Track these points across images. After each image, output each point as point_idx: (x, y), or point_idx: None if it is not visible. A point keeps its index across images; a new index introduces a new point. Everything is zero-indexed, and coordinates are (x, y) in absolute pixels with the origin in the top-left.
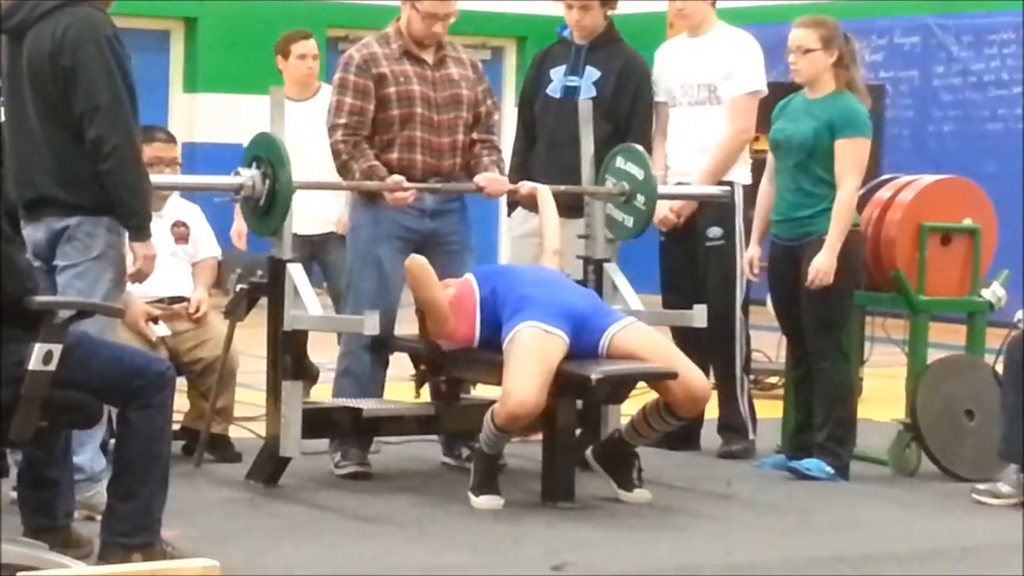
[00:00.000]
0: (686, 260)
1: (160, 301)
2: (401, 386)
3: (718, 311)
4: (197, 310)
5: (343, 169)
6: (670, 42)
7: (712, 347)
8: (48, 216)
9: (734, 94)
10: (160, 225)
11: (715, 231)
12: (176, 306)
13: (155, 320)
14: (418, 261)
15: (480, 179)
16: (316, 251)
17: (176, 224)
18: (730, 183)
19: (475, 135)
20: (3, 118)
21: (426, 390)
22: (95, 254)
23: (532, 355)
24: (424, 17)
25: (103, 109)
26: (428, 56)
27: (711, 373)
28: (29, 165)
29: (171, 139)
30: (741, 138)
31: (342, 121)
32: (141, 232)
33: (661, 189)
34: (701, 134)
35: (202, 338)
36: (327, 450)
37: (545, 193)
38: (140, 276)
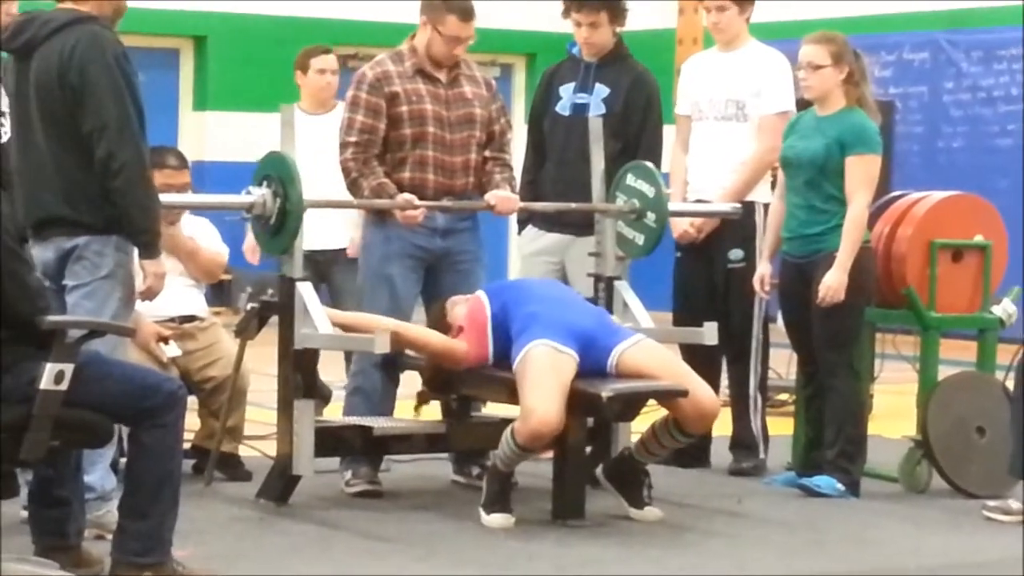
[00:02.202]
0: (702, 278)
1: (171, 321)
2: (412, 404)
3: (737, 330)
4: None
5: (353, 187)
6: (700, 54)
7: (728, 364)
8: (56, 236)
9: (763, 113)
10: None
11: (736, 253)
12: (187, 326)
13: (165, 340)
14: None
15: (491, 197)
16: (323, 270)
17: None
18: (751, 203)
19: (487, 153)
20: (7, 137)
21: (431, 409)
22: (104, 273)
23: (548, 373)
24: (447, 41)
25: (111, 127)
26: (442, 75)
27: (721, 390)
28: (37, 185)
29: (183, 164)
30: (768, 158)
31: (352, 139)
32: (151, 249)
33: (674, 206)
34: (726, 150)
35: (213, 357)
36: (337, 468)
37: None
38: (150, 294)
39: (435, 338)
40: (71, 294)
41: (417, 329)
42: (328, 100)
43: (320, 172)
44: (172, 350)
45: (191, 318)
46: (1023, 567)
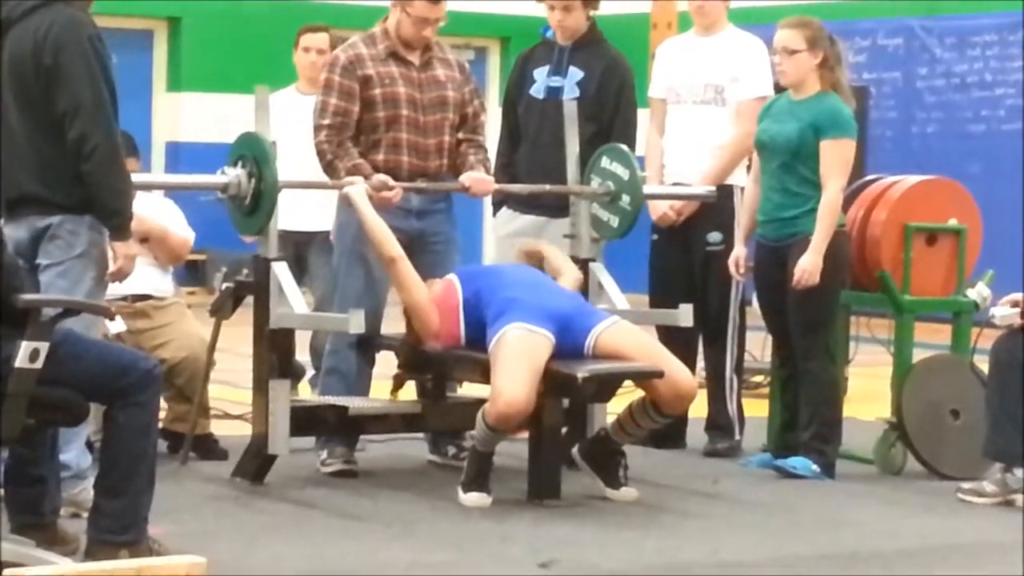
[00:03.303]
0: (679, 261)
1: (124, 299)
2: (388, 384)
3: (713, 313)
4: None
5: (329, 169)
6: (676, 38)
7: (705, 347)
8: (30, 215)
9: (741, 98)
10: None
11: (715, 236)
12: (139, 304)
13: (111, 316)
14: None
15: (465, 179)
16: (300, 251)
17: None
18: (730, 186)
19: (461, 135)
20: None
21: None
22: (77, 252)
23: (520, 355)
24: (414, 21)
25: (85, 109)
26: (414, 58)
27: (696, 371)
28: (10, 164)
29: (132, 152)
30: (746, 143)
31: (326, 122)
32: (122, 231)
33: (649, 189)
34: (704, 134)
35: (166, 338)
36: (313, 448)
37: (551, 252)
38: (120, 275)
39: (421, 291)
40: (44, 273)
41: (414, 275)
42: (318, 80)
43: (310, 153)
44: (116, 326)
45: (145, 297)
46: (1008, 549)
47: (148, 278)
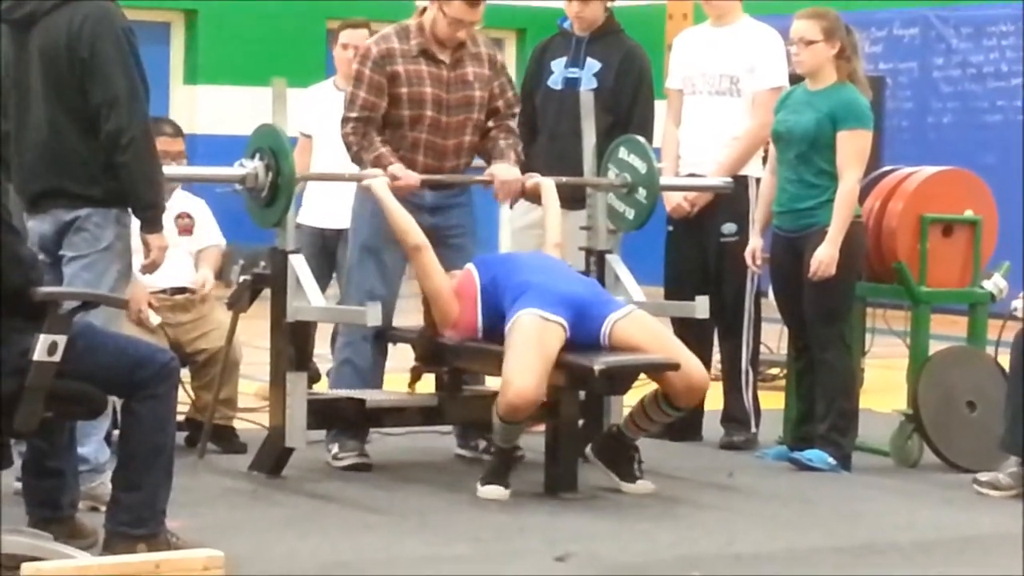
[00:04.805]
0: (694, 252)
1: (163, 292)
2: (401, 377)
3: (729, 304)
4: (203, 286)
5: (356, 160)
6: (692, 29)
7: (720, 339)
8: (55, 208)
9: (757, 88)
10: (164, 217)
11: (730, 227)
12: (178, 297)
13: (126, 308)
14: (412, 252)
15: (495, 170)
16: (329, 245)
17: (180, 216)
18: (745, 177)
19: (491, 123)
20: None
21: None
22: (104, 245)
23: (530, 344)
24: (450, 22)
25: (121, 101)
26: (446, 56)
27: (712, 364)
28: (36, 157)
29: (178, 132)
30: (762, 133)
31: (354, 115)
32: (155, 224)
33: (665, 180)
34: (720, 125)
35: (204, 329)
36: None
37: (548, 187)
38: (153, 267)
39: (443, 280)
40: (69, 265)
41: (436, 263)
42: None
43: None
44: (154, 318)
45: (183, 290)
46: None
47: (183, 271)
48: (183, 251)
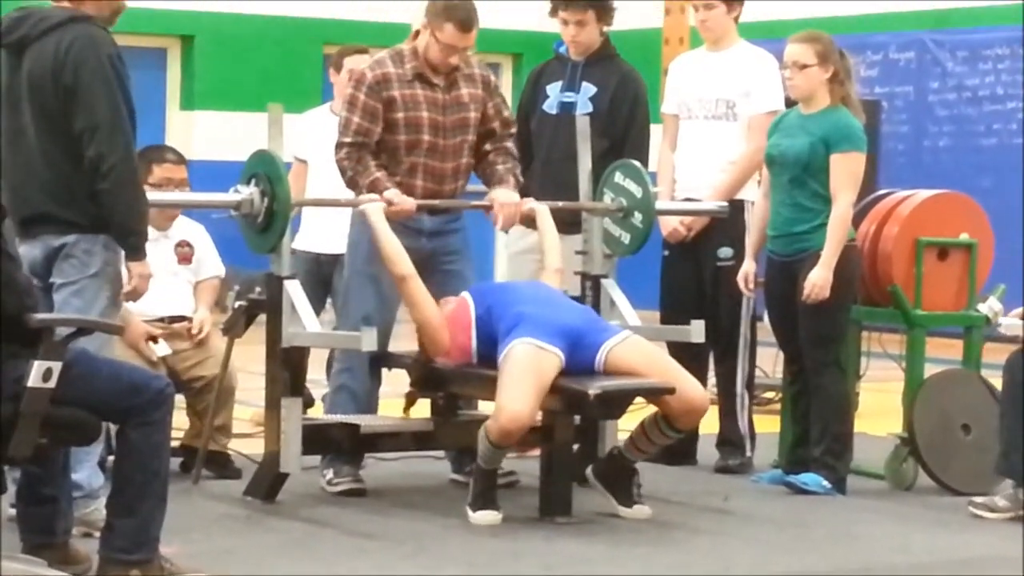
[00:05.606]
0: (690, 277)
1: (160, 320)
2: (395, 402)
3: (724, 328)
4: (200, 330)
5: (351, 185)
6: (689, 54)
7: (716, 363)
8: (45, 234)
9: (753, 113)
10: (164, 245)
11: (726, 251)
12: (176, 325)
13: (155, 339)
14: (400, 282)
15: (495, 195)
16: (325, 271)
17: (180, 244)
18: (740, 201)
19: (488, 146)
20: None
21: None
22: (92, 271)
23: (525, 371)
24: (442, 48)
25: (103, 128)
26: (440, 79)
27: (707, 387)
28: (26, 182)
29: (181, 160)
30: (758, 158)
31: (348, 140)
32: (137, 252)
33: (662, 205)
34: (716, 149)
35: (201, 356)
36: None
37: (544, 212)
38: (135, 295)
39: (432, 309)
40: (59, 292)
41: (425, 293)
42: None
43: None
44: (162, 349)
45: (180, 318)
46: (1022, 565)
47: (181, 298)
48: (182, 280)
